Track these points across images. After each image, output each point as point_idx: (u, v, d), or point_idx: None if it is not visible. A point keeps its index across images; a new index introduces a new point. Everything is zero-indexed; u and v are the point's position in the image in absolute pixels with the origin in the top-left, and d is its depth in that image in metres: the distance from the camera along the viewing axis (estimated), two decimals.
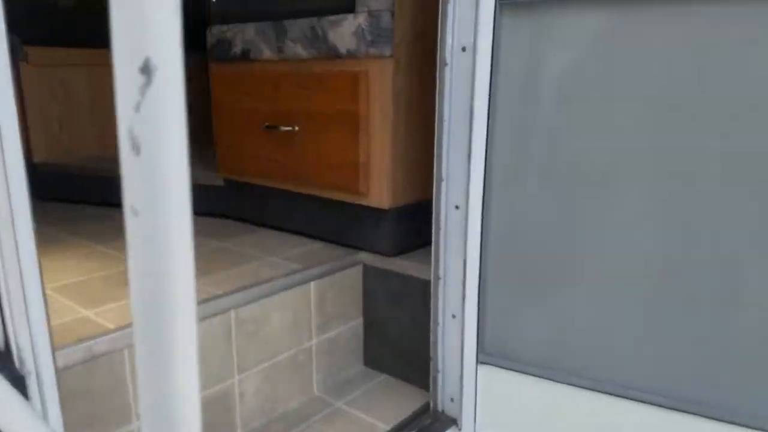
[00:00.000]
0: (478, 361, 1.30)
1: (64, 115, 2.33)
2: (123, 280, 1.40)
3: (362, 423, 1.42)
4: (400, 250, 1.61)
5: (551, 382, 1.22)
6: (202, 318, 1.24)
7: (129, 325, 1.13)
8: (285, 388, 1.46)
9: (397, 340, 1.61)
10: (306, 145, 1.63)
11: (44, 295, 0.64)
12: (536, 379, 1.23)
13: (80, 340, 1.05)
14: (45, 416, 0.61)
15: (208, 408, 1.28)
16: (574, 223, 1.15)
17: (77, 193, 2.24)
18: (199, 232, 1.83)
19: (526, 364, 1.25)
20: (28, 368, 0.59)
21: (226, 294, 1.31)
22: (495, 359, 1.28)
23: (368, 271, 1.64)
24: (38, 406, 0.60)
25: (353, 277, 1.63)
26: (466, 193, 1.23)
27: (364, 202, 1.58)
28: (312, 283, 1.50)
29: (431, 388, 1.39)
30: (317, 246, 1.71)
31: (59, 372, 0.96)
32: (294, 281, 1.45)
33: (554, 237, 1.17)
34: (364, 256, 1.64)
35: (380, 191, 1.53)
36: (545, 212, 1.17)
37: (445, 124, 1.27)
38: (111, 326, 1.13)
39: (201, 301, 1.26)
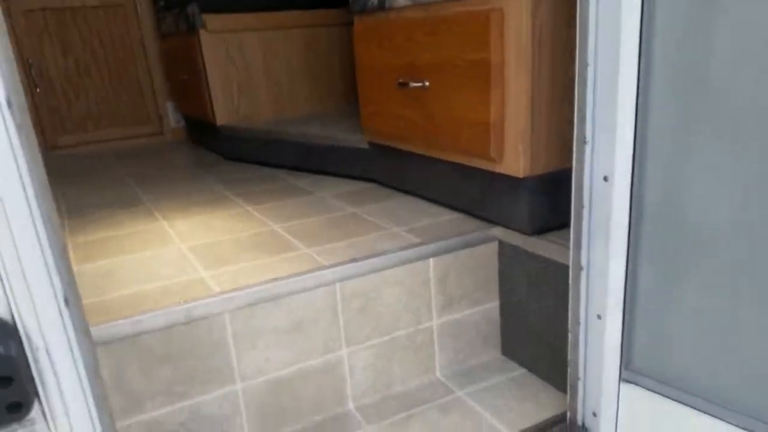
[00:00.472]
0: (621, 379, 1.04)
1: (242, 79, 2.51)
2: (252, 244, 1.44)
3: (482, 421, 1.27)
4: (541, 228, 1.36)
5: (717, 420, 0.90)
6: (304, 289, 1.21)
7: (234, 290, 1.15)
8: (401, 367, 1.38)
9: (539, 332, 1.39)
10: (436, 103, 1.46)
11: (66, 268, 0.64)
12: (697, 413, 0.93)
13: (181, 303, 1.09)
14: (60, 390, 0.62)
15: (316, 378, 1.27)
16: (763, 201, 0.80)
17: (255, 154, 2.42)
18: (338, 197, 1.82)
19: (686, 391, 0.95)
20: (36, 343, 0.60)
21: (331, 266, 1.25)
22: (643, 379, 1.01)
23: (504, 249, 1.43)
24: (51, 379, 0.61)
25: (486, 255, 1.45)
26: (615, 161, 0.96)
27: (497, 169, 1.36)
28: (431, 260, 1.36)
29: (569, 397, 1.16)
30: (450, 218, 1.56)
31: (102, 345, 1.00)
32: (409, 257, 1.33)
33: (737, 223, 0.84)
34: (499, 233, 1.44)
35: (515, 156, 1.30)
36: (726, 189, 0.84)
37: (589, 71, 0.99)
38: (217, 290, 1.16)
39: (305, 272, 1.22)
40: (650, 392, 0.99)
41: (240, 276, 1.23)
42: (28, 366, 0.61)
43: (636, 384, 1.01)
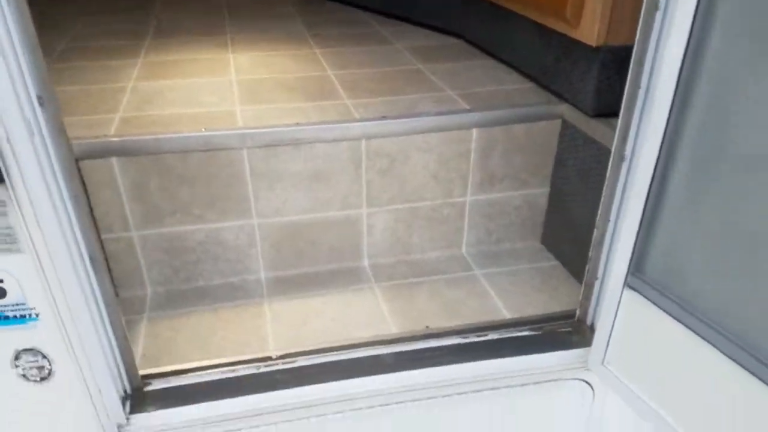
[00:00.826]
0: (626, 284, 0.94)
1: None
2: (298, 86, 1.42)
3: (486, 301, 1.24)
4: (606, 110, 1.18)
5: (719, 353, 0.80)
6: (327, 140, 1.19)
7: (255, 127, 1.16)
8: (422, 237, 1.36)
9: (584, 225, 1.27)
10: None
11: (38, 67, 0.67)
12: (699, 340, 0.82)
13: (203, 130, 1.12)
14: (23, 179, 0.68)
15: (333, 228, 1.29)
16: None
17: None
18: (413, 50, 1.70)
19: (691, 314, 0.83)
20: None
21: (359, 120, 1.20)
22: (648, 289, 0.90)
23: (566, 130, 1.28)
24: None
25: (546, 134, 1.30)
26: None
27: (573, 34, 1.17)
28: (475, 130, 1.26)
29: (582, 294, 1.09)
30: (518, 87, 1.40)
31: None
32: (446, 124, 1.23)
33: None
34: (565, 110, 1.27)
35: (591, 20, 1.09)
36: None
37: None
38: (240, 124, 1.18)
39: (330, 122, 1.19)
40: (652, 305, 0.89)
41: (268, 115, 1.23)
42: None
43: (639, 293, 0.91)
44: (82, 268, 0.80)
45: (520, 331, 1.10)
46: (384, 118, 1.21)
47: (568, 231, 1.32)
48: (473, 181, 1.32)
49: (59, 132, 0.74)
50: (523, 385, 1.07)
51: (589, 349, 1.06)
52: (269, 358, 1.01)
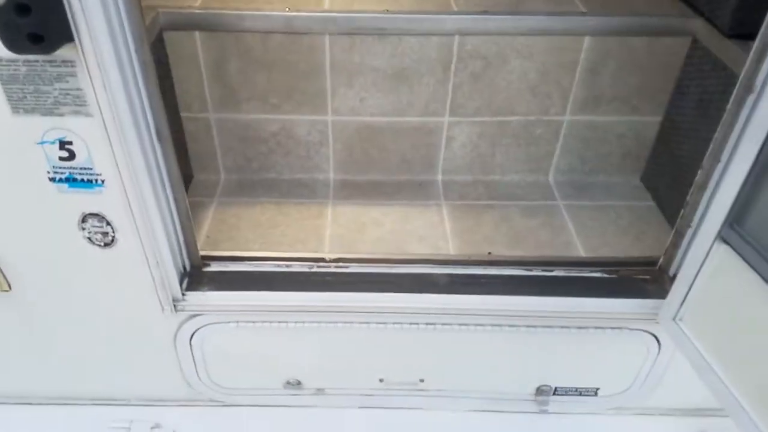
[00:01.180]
0: (720, 235, 0.81)
1: None
2: None
3: (560, 233, 1.15)
4: (748, 30, 0.98)
5: None
6: (420, 33, 1.08)
7: (340, 11, 1.07)
8: (508, 156, 1.26)
9: (692, 166, 1.11)
10: None
11: None
12: None
13: (287, 10, 1.06)
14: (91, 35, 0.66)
15: (409, 137, 1.22)
16: None
17: None
18: None
19: None
20: None
21: (454, 12, 1.08)
22: (743, 245, 0.77)
23: (696, 51, 1.09)
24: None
25: (670, 52, 1.12)
26: None
27: None
28: (587, 38, 1.10)
29: (670, 242, 0.96)
30: None
31: None
32: (557, 26, 1.08)
33: None
34: (699, 27, 1.08)
35: None
36: None
37: None
38: (326, 5, 1.10)
39: (424, 12, 1.08)
40: (744, 263, 0.76)
41: (358, 0, 1.13)
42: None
43: (732, 247, 0.78)
44: (149, 141, 0.79)
45: (592, 271, 1.00)
46: (485, 12, 1.08)
47: (673, 170, 1.17)
48: (575, 98, 1.18)
49: None
50: (580, 327, 0.99)
51: (662, 302, 0.95)
52: (323, 260, 0.99)
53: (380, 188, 1.25)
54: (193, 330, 0.96)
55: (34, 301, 0.92)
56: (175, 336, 0.96)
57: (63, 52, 0.68)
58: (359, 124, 1.20)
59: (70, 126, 0.75)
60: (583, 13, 1.09)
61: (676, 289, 0.90)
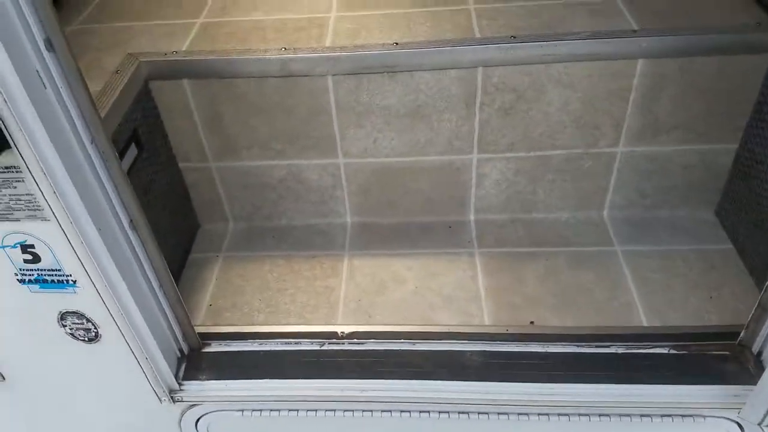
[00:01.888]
0: None
1: None
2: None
3: (619, 294, 1.00)
4: None
5: None
6: (436, 68, 0.95)
7: (342, 49, 0.96)
8: (553, 192, 1.11)
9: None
10: None
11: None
12: None
13: (282, 51, 0.95)
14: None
15: (434, 175, 1.10)
16: None
17: None
18: None
19: None
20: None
21: (478, 41, 0.94)
22: None
23: None
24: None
25: (744, 71, 0.93)
26: None
27: None
28: (641, 62, 0.93)
29: (753, 315, 0.81)
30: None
31: None
32: (604, 50, 0.92)
33: None
34: None
35: None
36: None
37: None
38: (327, 42, 0.98)
39: (439, 42, 0.94)
40: None
41: (366, 25, 1.01)
42: None
43: None
44: (121, 232, 0.72)
45: (658, 347, 0.86)
46: (513, 39, 0.93)
47: (754, 209, 0.98)
48: (629, 127, 1.01)
49: (74, 81, 0.62)
50: (643, 416, 0.85)
51: (751, 389, 0.80)
52: (335, 335, 0.90)
53: (403, 232, 1.14)
54: (197, 417, 0.91)
55: (30, 394, 0.90)
56: (180, 423, 0.91)
57: (4, 159, 0.62)
58: (375, 166, 1.09)
59: (29, 230, 0.69)
60: (634, 32, 0.92)
61: (764, 387, 0.75)
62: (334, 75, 0.97)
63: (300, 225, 1.17)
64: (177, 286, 0.83)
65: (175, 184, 1.09)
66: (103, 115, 0.85)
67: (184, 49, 0.98)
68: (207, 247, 1.14)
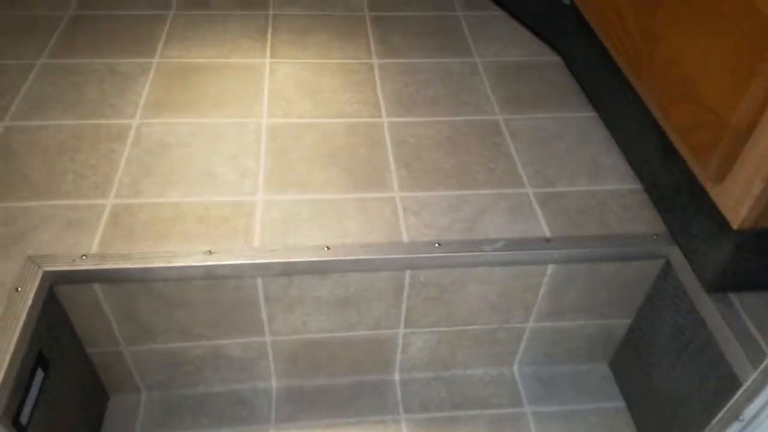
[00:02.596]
0: None
1: None
2: (334, 151, 1.16)
3: None
4: (730, 287, 0.92)
5: None
6: (367, 270, 0.97)
7: (275, 255, 0.94)
8: (470, 354, 1.18)
9: (661, 380, 1.07)
10: (669, 49, 0.90)
11: None
12: None
13: (207, 256, 0.92)
14: None
15: (360, 346, 1.12)
16: None
17: None
18: (497, 69, 1.37)
19: None
20: None
21: (406, 251, 0.97)
22: None
23: (669, 278, 1.02)
24: None
25: (642, 271, 1.05)
26: None
27: (709, 188, 0.87)
28: (550, 266, 1.01)
29: None
30: (620, 187, 1.11)
31: None
32: (520, 259, 0.99)
33: None
34: (674, 256, 1.01)
35: (742, 195, 0.79)
36: None
37: None
38: (256, 243, 0.96)
39: (370, 247, 0.97)
40: None
41: (294, 215, 1.01)
42: None
43: None
44: None
45: None
46: (438, 245, 0.98)
47: (641, 372, 1.11)
48: (539, 311, 1.10)
49: None
50: None
51: None
52: None
53: (331, 396, 1.16)
54: None
55: None
56: None
57: None
58: (304, 340, 1.09)
59: None
60: (547, 241, 1.00)
61: None
62: (264, 276, 0.96)
63: (221, 392, 1.15)
64: None
65: (77, 364, 1.02)
66: (5, 359, 0.78)
67: (93, 251, 0.92)
68: (116, 426, 1.08)
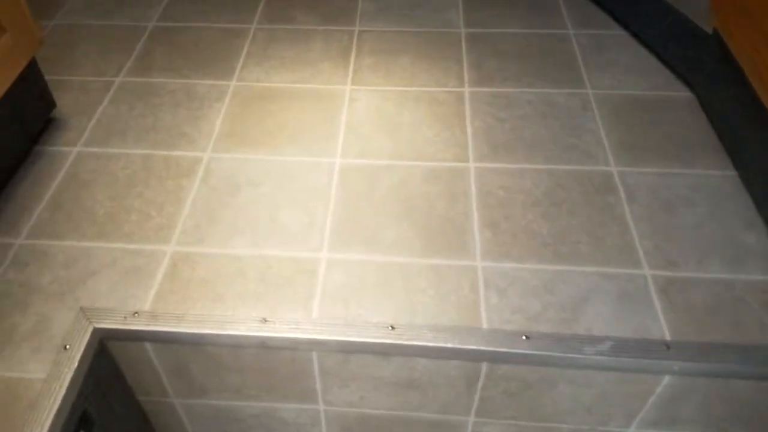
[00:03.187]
0: None
1: None
2: (411, 202, 1.03)
3: None
4: None
5: None
6: (436, 357, 0.84)
7: (332, 330, 0.84)
8: None
9: None
10: None
11: None
12: None
13: (261, 325, 0.84)
14: None
15: (426, 428, 1.00)
16: None
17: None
18: (612, 108, 1.18)
19: None
20: None
21: (482, 336, 0.83)
22: None
23: None
24: None
25: None
26: None
27: None
28: (667, 377, 0.83)
29: None
30: None
31: None
32: (626, 365, 0.82)
33: None
34: None
35: None
36: None
37: None
38: (314, 313, 0.87)
39: (442, 332, 0.83)
40: None
41: (359, 286, 0.90)
42: None
43: None
44: None
45: None
46: (525, 338, 0.83)
47: None
48: (644, 418, 0.92)
49: None
50: None
51: None
52: None
53: None
54: None
55: None
56: None
57: None
58: (359, 414, 0.99)
59: None
60: (667, 347, 0.81)
61: None
62: (319, 351, 0.86)
63: None
64: None
65: (129, 417, 0.98)
66: (44, 427, 0.74)
67: (147, 307, 0.86)
68: None
